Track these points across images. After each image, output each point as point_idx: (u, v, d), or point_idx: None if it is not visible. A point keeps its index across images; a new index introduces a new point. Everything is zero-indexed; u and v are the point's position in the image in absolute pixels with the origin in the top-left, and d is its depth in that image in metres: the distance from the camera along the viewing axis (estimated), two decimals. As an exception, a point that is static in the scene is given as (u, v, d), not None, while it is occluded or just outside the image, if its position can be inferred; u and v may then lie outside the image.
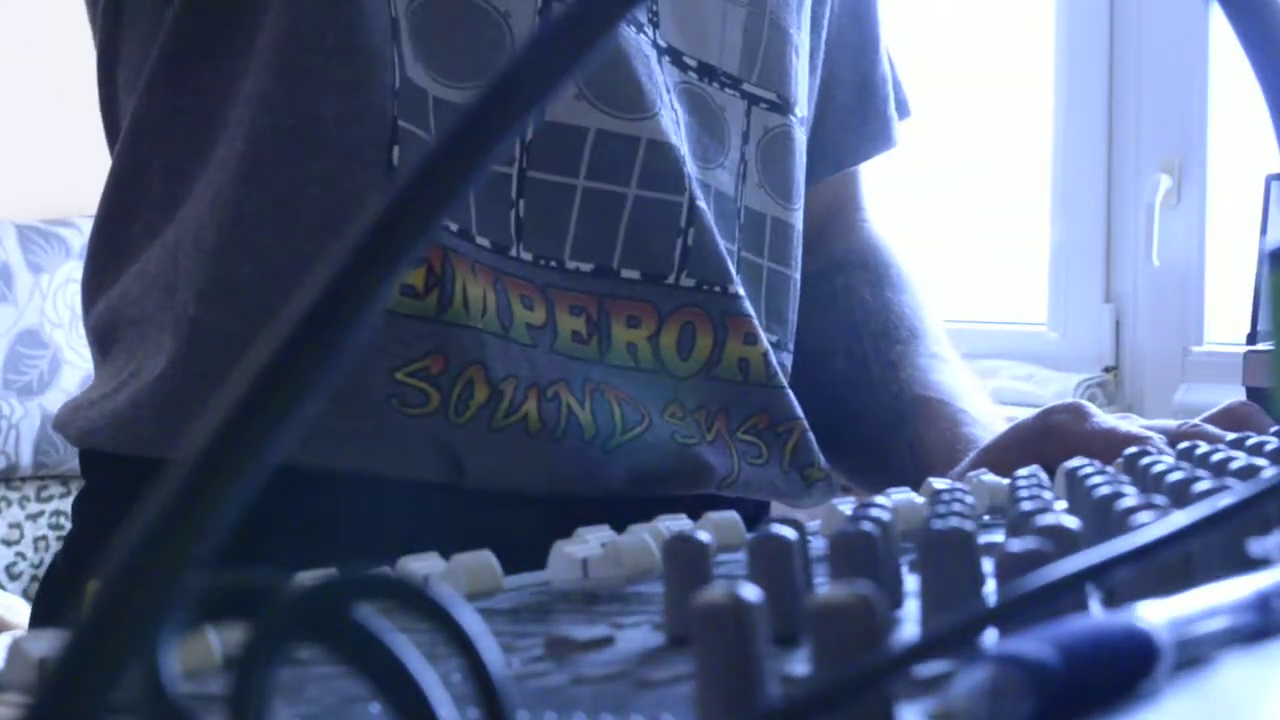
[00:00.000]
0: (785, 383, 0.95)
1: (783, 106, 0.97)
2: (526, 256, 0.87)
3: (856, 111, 1.11)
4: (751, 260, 0.96)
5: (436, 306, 0.84)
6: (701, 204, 0.91)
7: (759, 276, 0.97)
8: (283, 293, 0.91)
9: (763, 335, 0.94)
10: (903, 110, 1.14)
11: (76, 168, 2.66)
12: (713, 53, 0.93)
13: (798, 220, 0.99)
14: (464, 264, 0.84)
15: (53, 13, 2.55)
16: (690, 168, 0.91)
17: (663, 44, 0.91)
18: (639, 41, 0.90)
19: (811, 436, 0.95)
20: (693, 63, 0.92)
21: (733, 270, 0.92)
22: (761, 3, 0.96)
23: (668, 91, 0.91)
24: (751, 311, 0.93)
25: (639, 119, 0.89)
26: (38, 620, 1.00)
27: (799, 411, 0.95)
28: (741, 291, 0.92)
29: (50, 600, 0.97)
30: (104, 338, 0.92)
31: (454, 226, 0.85)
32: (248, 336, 0.83)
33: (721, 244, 0.92)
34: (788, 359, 0.99)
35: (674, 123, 0.91)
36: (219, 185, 0.85)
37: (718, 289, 0.92)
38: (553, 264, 0.88)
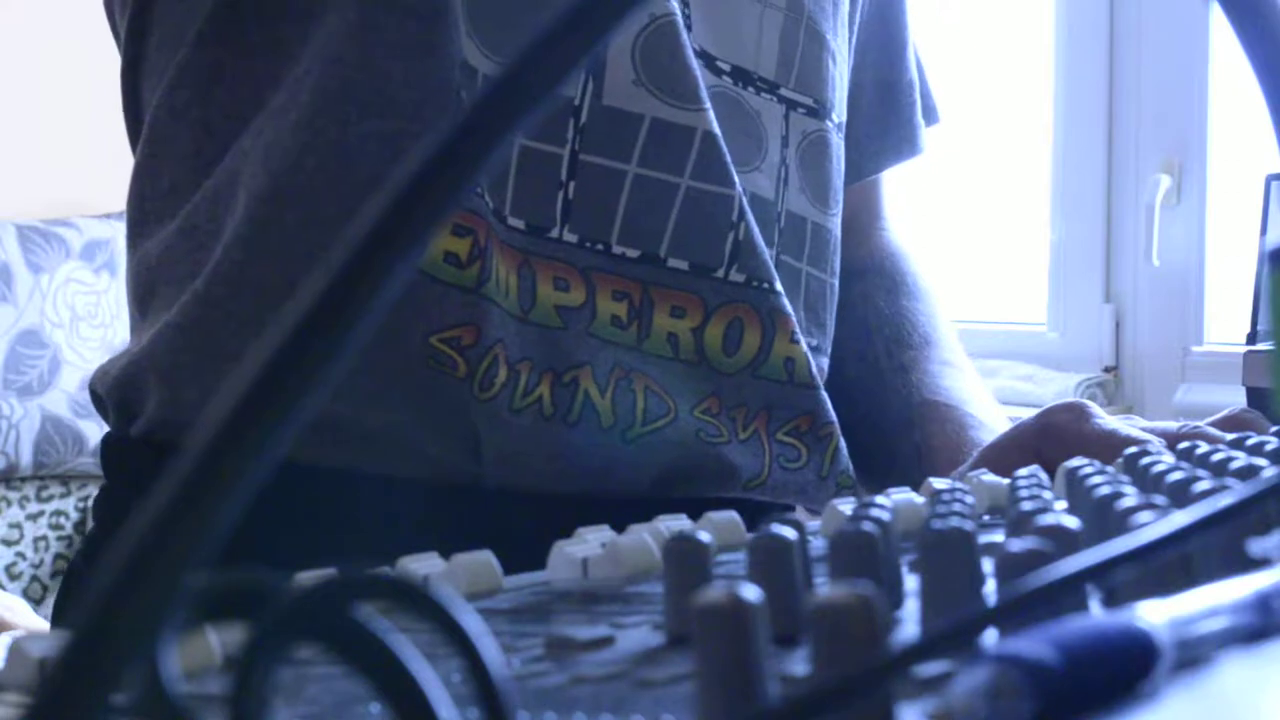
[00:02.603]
0: (822, 385, 0.94)
1: (820, 111, 0.97)
2: (571, 238, 0.87)
3: (879, 118, 1.10)
4: (791, 264, 0.96)
5: (476, 279, 0.84)
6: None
7: (798, 281, 0.96)
8: (328, 244, 0.90)
9: (803, 336, 0.93)
10: (931, 116, 1.14)
11: (76, 168, 2.66)
12: (748, 57, 0.92)
13: (835, 226, 0.99)
14: (496, 243, 0.84)
15: (54, 13, 2.56)
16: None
17: (696, 47, 0.90)
18: None
19: (844, 443, 0.95)
20: (726, 66, 0.91)
21: (773, 268, 0.92)
22: (799, 8, 0.95)
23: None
24: (791, 310, 0.92)
25: (696, 110, 0.88)
26: (58, 622, 1.00)
27: (834, 415, 0.94)
28: (781, 289, 0.92)
29: (70, 601, 0.97)
30: (143, 297, 0.92)
31: (491, 204, 0.85)
32: (285, 284, 0.83)
33: (762, 244, 0.92)
34: (825, 364, 0.98)
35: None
36: (274, 135, 0.85)
37: (765, 285, 0.91)
38: (599, 247, 0.87)
